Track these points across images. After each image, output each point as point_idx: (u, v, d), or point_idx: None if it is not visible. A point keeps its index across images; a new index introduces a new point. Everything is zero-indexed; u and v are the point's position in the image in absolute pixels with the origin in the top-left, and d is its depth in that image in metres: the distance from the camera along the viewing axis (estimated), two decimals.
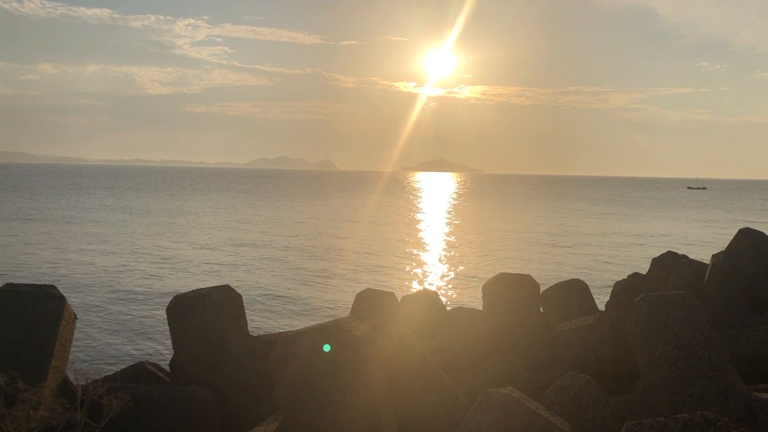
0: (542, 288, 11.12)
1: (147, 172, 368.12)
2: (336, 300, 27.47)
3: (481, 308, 11.01)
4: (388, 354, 8.19)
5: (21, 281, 9.65)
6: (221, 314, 9.54)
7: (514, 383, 8.45)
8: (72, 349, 8.75)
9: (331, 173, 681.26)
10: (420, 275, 35.53)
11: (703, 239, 56.28)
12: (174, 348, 9.86)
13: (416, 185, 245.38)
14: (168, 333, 10.19)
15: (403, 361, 8.24)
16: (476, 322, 10.59)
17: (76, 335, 9.69)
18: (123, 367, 10.85)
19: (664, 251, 14.32)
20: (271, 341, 9.76)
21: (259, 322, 22.86)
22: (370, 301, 10.33)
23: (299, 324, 21.99)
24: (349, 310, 10.83)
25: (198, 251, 42.89)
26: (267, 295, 28.42)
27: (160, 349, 19.03)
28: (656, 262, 13.69)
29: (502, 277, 10.64)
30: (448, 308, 11.42)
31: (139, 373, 10.05)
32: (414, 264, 39.59)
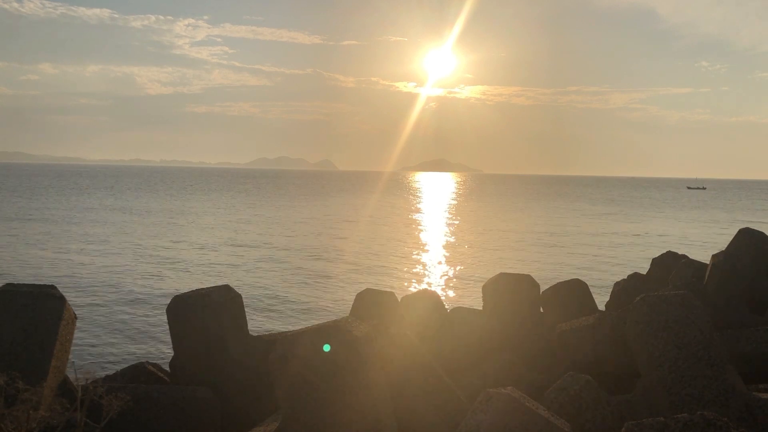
0: (542, 288, 11.12)
1: (147, 172, 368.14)
2: (336, 300, 27.48)
3: (481, 308, 11.01)
4: (388, 354, 8.19)
5: (21, 281, 9.65)
6: (221, 314, 9.54)
7: (514, 383, 8.45)
8: (72, 349, 8.75)
9: (331, 173, 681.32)
10: (420, 275, 35.54)
11: (703, 239, 56.29)
12: (174, 348, 9.86)
13: (416, 185, 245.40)
14: (168, 333, 10.19)
15: (403, 361, 8.24)
16: (476, 322, 10.59)
17: (76, 335, 9.69)
18: (123, 367, 10.85)
19: (664, 251, 14.31)
20: (271, 341, 9.76)
21: (259, 322, 22.86)
22: (370, 301, 10.32)
23: (299, 324, 21.99)
24: (349, 310, 10.82)
25: (198, 251, 42.89)
26: (267, 295, 28.43)
27: (160, 349, 19.03)
28: (656, 262, 13.69)
29: (503, 277, 10.64)
30: (448, 308, 11.42)
31: (139, 373, 10.05)
32: (414, 264, 39.59)
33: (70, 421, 6.82)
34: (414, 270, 37.21)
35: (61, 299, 8.38)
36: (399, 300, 10.86)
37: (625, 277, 13.88)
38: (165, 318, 10.06)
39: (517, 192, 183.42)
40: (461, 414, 7.43)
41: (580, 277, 12.70)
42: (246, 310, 10.16)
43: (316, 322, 10.44)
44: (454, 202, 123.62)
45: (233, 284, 12.40)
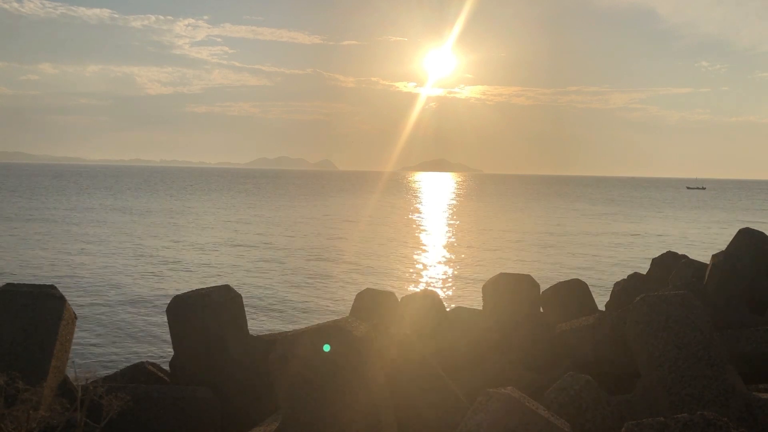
0: (542, 288, 11.12)
1: (147, 172, 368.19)
2: (336, 300, 27.48)
3: (481, 308, 11.01)
4: (388, 354, 8.19)
5: (21, 281, 9.65)
6: (221, 314, 9.54)
7: (514, 383, 8.45)
8: (72, 349, 8.75)
9: (331, 173, 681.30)
10: (420, 275, 35.54)
11: (703, 239, 56.30)
12: (174, 348, 9.86)
13: (416, 185, 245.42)
14: (168, 333, 10.20)
15: (403, 361, 8.24)
16: (476, 322, 10.59)
17: (76, 335, 9.69)
18: (123, 367, 10.85)
19: (664, 251, 14.32)
20: (271, 341, 9.76)
21: (259, 322, 22.86)
22: (370, 301, 10.33)
23: (299, 324, 22.00)
24: (349, 310, 10.83)
25: (198, 251, 42.90)
26: (267, 295, 28.43)
27: (160, 349, 19.03)
28: (656, 262, 13.69)
29: (503, 277, 10.64)
30: (448, 308, 11.42)
31: (139, 373, 10.05)
32: (414, 264, 39.60)
33: (70, 421, 6.82)
34: (414, 270, 37.22)
35: (61, 299, 8.38)
36: (399, 300, 10.87)
37: (625, 277, 13.88)
38: (165, 318, 10.06)
39: (517, 192, 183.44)
40: (461, 414, 7.43)
41: (580, 277, 12.71)
42: (246, 310, 10.16)
43: (316, 322, 10.44)
44: (454, 202, 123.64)
45: (233, 284, 12.40)
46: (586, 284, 11.91)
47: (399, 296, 11.11)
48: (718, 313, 10.35)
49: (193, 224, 62.46)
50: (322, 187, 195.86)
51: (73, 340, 8.79)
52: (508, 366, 9.59)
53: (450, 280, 33.94)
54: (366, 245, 48.26)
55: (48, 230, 52.67)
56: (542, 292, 11.20)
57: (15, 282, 8.77)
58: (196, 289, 10.03)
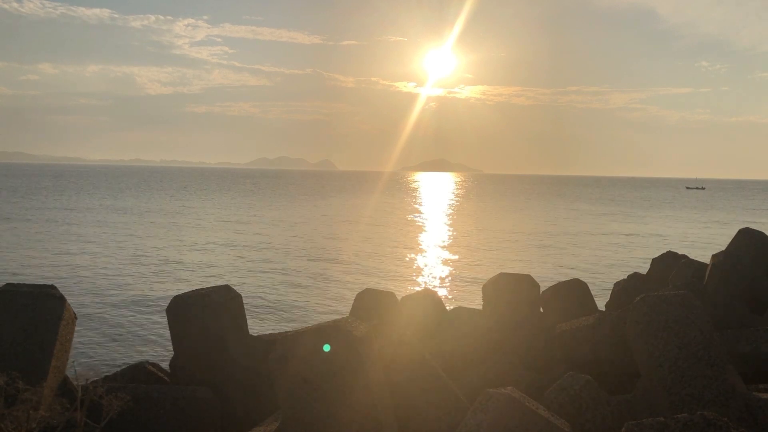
0: (542, 288, 11.12)
1: (147, 172, 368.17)
2: (336, 300, 27.48)
3: (481, 308, 11.01)
4: (388, 354, 8.19)
5: (21, 281, 9.65)
6: (221, 314, 9.54)
7: (514, 383, 8.45)
8: (72, 349, 8.75)
9: (331, 173, 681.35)
10: (420, 275, 35.54)
11: (703, 239, 56.29)
12: (174, 348, 9.87)
13: (416, 185, 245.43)
14: (168, 333, 10.19)
15: (403, 361, 8.24)
16: (476, 322, 10.59)
17: (76, 335, 9.69)
18: (123, 367, 10.85)
19: (664, 251, 14.32)
20: (271, 341, 9.77)
21: (259, 322, 22.86)
22: (370, 301, 10.33)
23: (299, 324, 22.00)
24: (349, 310, 10.83)
25: (198, 251, 42.90)
26: (267, 295, 28.43)
27: (160, 350, 19.03)
28: (656, 262, 13.70)
29: (502, 277, 10.64)
30: (448, 308, 11.42)
31: (139, 373, 10.05)
32: (414, 264, 39.60)
33: (70, 421, 6.82)
34: (414, 270, 37.22)
35: (61, 299, 8.38)
36: (399, 300, 10.87)
37: (625, 277, 13.89)
38: (165, 318, 10.06)
39: (517, 192, 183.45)
40: (461, 414, 7.43)
41: (580, 277, 12.71)
42: (246, 310, 10.17)
43: (316, 322, 10.45)
44: (454, 202, 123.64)
45: (233, 284, 12.41)
46: (586, 284, 11.92)
47: (399, 296, 11.11)
48: (718, 313, 10.35)
49: (193, 224, 62.46)
50: (322, 187, 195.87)
51: (73, 340, 8.80)
52: (508, 366, 9.59)
53: (450, 280, 33.93)
54: (366, 245, 48.26)
55: (48, 230, 52.66)
56: (542, 292, 11.20)
57: (15, 282, 8.77)
58: (196, 289, 10.04)
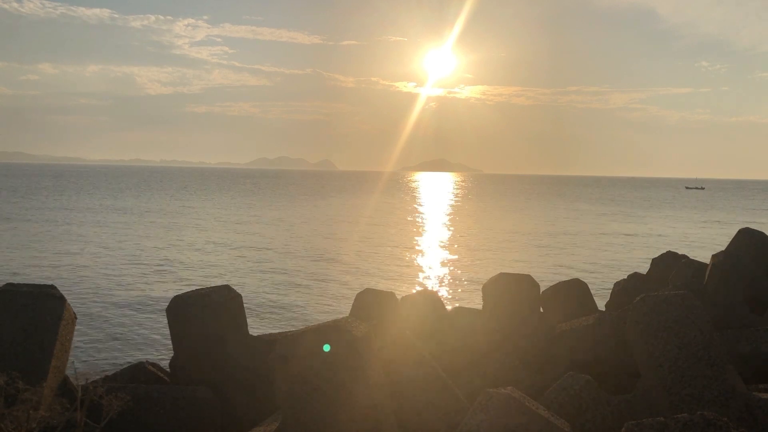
0: (542, 288, 11.12)
1: (147, 172, 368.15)
2: (336, 300, 27.48)
3: (481, 308, 11.02)
4: (388, 354, 8.19)
5: (21, 281, 9.65)
6: (221, 314, 9.55)
7: (514, 383, 8.45)
8: (72, 349, 8.75)
9: (331, 173, 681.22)
10: (420, 275, 35.54)
11: (703, 239, 56.29)
12: (174, 348, 9.87)
13: (416, 185, 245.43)
14: (168, 333, 10.19)
15: (403, 361, 8.24)
16: (476, 322, 10.59)
17: (76, 335, 9.70)
18: (123, 367, 10.85)
19: (664, 251, 14.32)
20: (271, 341, 9.77)
21: (259, 322, 22.86)
22: (370, 301, 10.33)
23: (299, 324, 22.00)
24: (349, 310, 10.83)
25: (198, 251, 42.90)
26: (267, 295, 28.43)
27: (160, 350, 19.03)
28: (656, 262, 13.70)
29: (503, 277, 10.64)
30: (448, 308, 11.42)
31: (139, 373, 10.05)
32: (414, 264, 39.60)
33: (70, 421, 6.82)
34: (414, 270, 37.22)
35: (61, 299, 8.38)
36: (399, 300, 10.87)
37: (625, 277, 13.89)
38: (165, 318, 10.06)
39: (517, 192, 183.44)
40: (461, 414, 7.43)
41: (580, 277, 12.71)
42: (246, 310, 10.17)
43: (316, 322, 10.45)
44: (454, 202, 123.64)
45: (233, 284, 12.40)
46: (586, 284, 11.92)
47: (399, 296, 11.11)
48: (718, 313, 10.35)
49: (193, 224, 62.46)
50: (322, 187, 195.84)
51: (73, 340, 8.80)
52: (508, 366, 9.59)
53: (450, 280, 33.93)
54: (366, 245, 48.27)
55: (48, 230, 52.66)
56: (542, 292, 11.21)
57: (15, 282, 8.77)
58: (196, 289, 10.04)
